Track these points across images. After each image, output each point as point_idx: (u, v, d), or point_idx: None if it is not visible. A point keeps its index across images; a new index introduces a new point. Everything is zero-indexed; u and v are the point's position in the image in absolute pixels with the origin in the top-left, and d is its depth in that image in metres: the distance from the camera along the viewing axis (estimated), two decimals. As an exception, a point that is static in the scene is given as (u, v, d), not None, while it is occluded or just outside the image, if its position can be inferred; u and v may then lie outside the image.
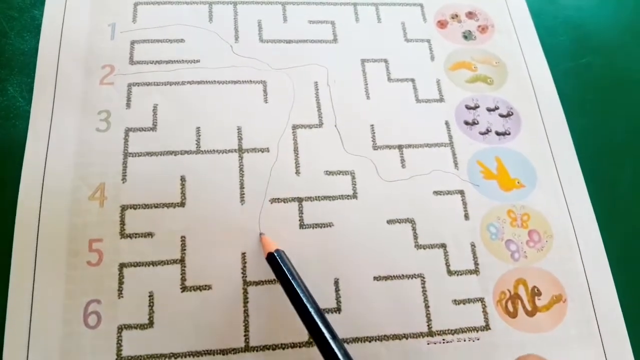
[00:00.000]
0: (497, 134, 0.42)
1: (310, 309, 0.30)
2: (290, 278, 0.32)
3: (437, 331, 0.36)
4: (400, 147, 0.40)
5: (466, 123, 0.42)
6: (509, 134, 0.42)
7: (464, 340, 0.36)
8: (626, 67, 0.47)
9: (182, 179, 0.37)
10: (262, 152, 0.39)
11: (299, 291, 0.31)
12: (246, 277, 0.35)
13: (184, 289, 0.35)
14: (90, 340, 0.33)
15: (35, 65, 0.39)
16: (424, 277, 0.37)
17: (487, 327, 0.36)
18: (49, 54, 0.40)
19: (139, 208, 0.36)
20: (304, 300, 0.30)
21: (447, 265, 0.37)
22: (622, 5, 0.50)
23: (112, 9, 0.42)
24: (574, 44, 0.48)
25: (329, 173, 0.39)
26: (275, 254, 0.33)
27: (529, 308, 0.37)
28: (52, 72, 0.39)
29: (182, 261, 0.35)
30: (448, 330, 0.36)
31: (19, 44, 0.41)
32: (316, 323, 0.29)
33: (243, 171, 0.38)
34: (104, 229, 0.35)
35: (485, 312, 0.36)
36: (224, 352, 0.34)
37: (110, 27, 0.42)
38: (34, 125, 0.38)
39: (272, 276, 0.35)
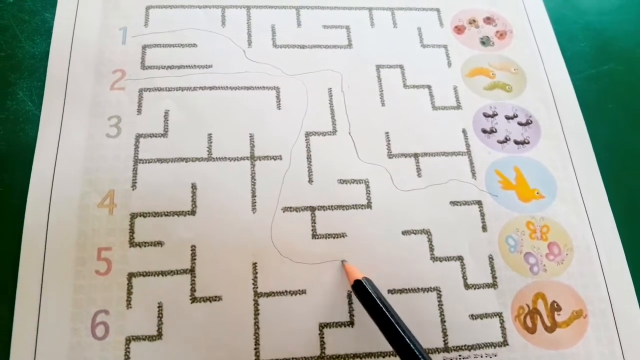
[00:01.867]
0: (516, 142, 0.41)
1: (409, 342, 0.29)
2: (384, 309, 0.31)
3: (453, 347, 0.35)
4: (416, 155, 0.39)
5: (484, 131, 0.41)
6: (528, 142, 0.41)
7: (481, 357, 0.35)
8: (649, 74, 0.46)
9: (193, 186, 0.36)
10: (275, 159, 0.38)
11: (394, 322, 0.30)
12: (257, 288, 0.34)
13: (193, 299, 0.34)
14: (98, 352, 0.32)
15: (45, 70, 0.39)
16: (440, 291, 0.36)
17: (504, 343, 0.35)
18: (59, 58, 0.39)
19: (149, 216, 0.35)
20: (401, 332, 0.29)
21: (464, 278, 0.36)
22: (645, 10, 0.49)
23: (124, 12, 0.42)
24: (594, 51, 0.46)
25: (342, 182, 0.38)
26: (363, 282, 0.32)
27: (548, 324, 0.36)
28: (63, 77, 0.39)
29: (192, 271, 0.34)
30: (464, 345, 0.35)
31: (29, 47, 0.40)
32: (417, 357, 0.28)
33: (255, 179, 0.37)
34: (113, 237, 0.35)
35: (503, 328, 0.35)
36: (233, 365, 0.33)
37: (122, 31, 0.41)
38: (44, 130, 0.37)
39: (284, 287, 0.34)
